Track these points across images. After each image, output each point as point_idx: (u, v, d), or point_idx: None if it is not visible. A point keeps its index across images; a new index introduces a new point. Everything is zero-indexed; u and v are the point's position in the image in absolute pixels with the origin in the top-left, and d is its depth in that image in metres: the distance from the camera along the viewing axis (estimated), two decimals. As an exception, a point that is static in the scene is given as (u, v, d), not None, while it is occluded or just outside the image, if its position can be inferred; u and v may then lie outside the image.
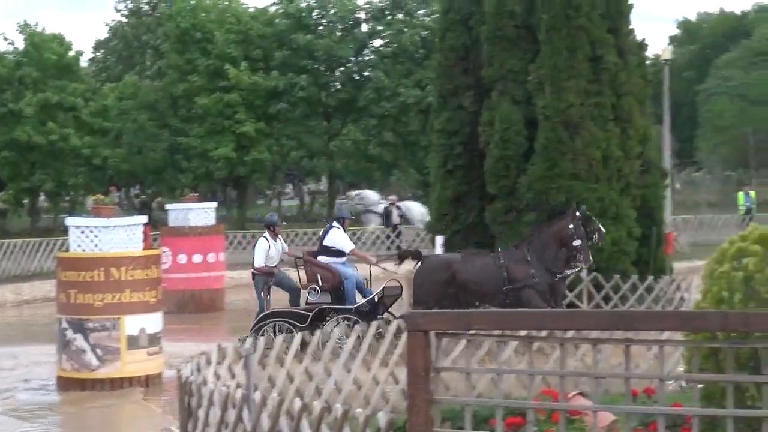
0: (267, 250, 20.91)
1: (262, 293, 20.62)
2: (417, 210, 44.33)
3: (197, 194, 37.11)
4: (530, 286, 18.68)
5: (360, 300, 19.78)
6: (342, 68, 59.91)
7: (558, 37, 21.07)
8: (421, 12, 58.97)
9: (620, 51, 21.76)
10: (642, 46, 23.30)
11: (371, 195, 46.98)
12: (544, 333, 8.24)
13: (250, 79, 55.26)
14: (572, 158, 20.89)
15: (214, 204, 31.39)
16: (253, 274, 20.99)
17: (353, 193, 48.48)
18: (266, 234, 21.17)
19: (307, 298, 19.90)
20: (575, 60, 21.04)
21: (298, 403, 9.53)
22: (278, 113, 56.29)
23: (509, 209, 21.33)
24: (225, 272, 29.83)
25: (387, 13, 59.15)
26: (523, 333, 7.99)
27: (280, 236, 21.54)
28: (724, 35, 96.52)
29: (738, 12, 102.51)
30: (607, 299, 20.97)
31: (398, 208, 43.08)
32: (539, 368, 11.45)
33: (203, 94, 55.30)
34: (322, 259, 20.12)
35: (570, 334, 7.97)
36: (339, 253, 20.14)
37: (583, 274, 20.73)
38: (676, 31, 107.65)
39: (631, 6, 22.47)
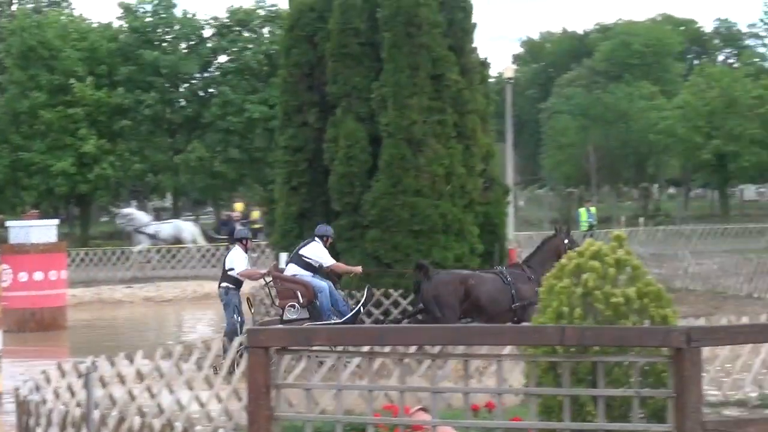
0: (246, 258, 20.08)
1: (235, 312, 19.62)
2: (189, 230, 44.84)
3: (38, 211, 36.40)
4: (535, 303, 17.34)
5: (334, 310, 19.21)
6: (187, 84, 59.53)
7: (400, 55, 21.23)
8: (266, 29, 58.95)
9: (463, 69, 22.01)
10: (485, 64, 23.62)
11: (140, 215, 47.07)
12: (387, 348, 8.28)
13: (95, 95, 54.51)
14: (415, 175, 21.04)
15: (56, 221, 30.90)
16: (227, 288, 19.83)
17: (124, 211, 48.26)
18: (238, 246, 20.20)
19: (284, 315, 19.10)
20: (418, 78, 21.21)
21: (138, 421, 9.42)
22: (122, 130, 55.64)
23: (354, 226, 21.39)
24: (67, 290, 29.36)
25: (232, 29, 58.97)
26: (365, 349, 8.02)
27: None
28: (567, 54, 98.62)
29: (580, 31, 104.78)
30: (450, 315, 21.08)
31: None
32: (382, 384, 11.53)
33: (47, 109, 54.34)
34: (291, 269, 19.45)
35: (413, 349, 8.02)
36: (309, 267, 19.44)
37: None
38: (519, 50, 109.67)
39: (474, 25, 22.76)
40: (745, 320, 17.37)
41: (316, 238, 19.73)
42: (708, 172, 64.40)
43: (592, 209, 45.92)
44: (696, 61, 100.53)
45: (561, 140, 74.72)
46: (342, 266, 19.99)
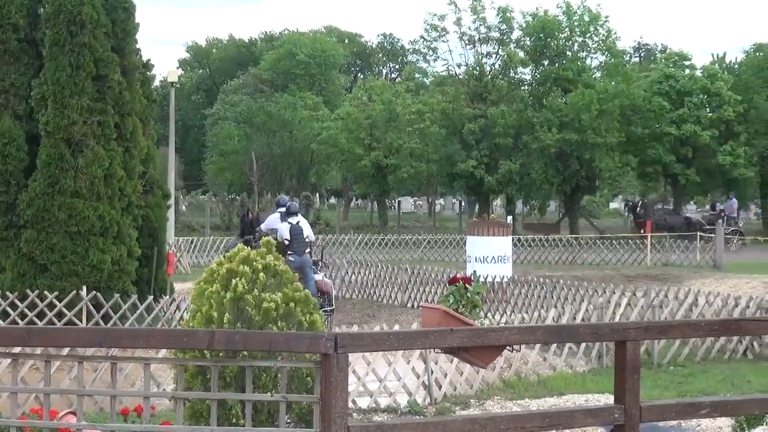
0: None
1: None
2: None
3: None
4: None
5: None
6: None
7: (62, 54, 20.81)
8: None
9: (124, 70, 21.77)
10: (147, 66, 23.45)
11: None
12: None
13: None
14: (74, 176, 20.66)
15: None
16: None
17: None
18: None
19: None
20: (79, 77, 20.83)
21: None
22: None
23: (9, 225, 20.82)
24: None
25: None
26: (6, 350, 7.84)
27: None
28: (232, 61, 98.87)
29: (246, 39, 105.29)
30: (106, 318, 20.82)
31: None
32: (29, 385, 11.28)
33: None
34: None
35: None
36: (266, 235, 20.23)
37: (83, 292, 20.57)
38: (185, 55, 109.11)
39: (137, 26, 22.54)
40: (396, 328, 17.99)
41: (279, 209, 24.62)
42: (368, 183, 65.96)
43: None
44: (360, 74, 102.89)
45: (224, 147, 74.84)
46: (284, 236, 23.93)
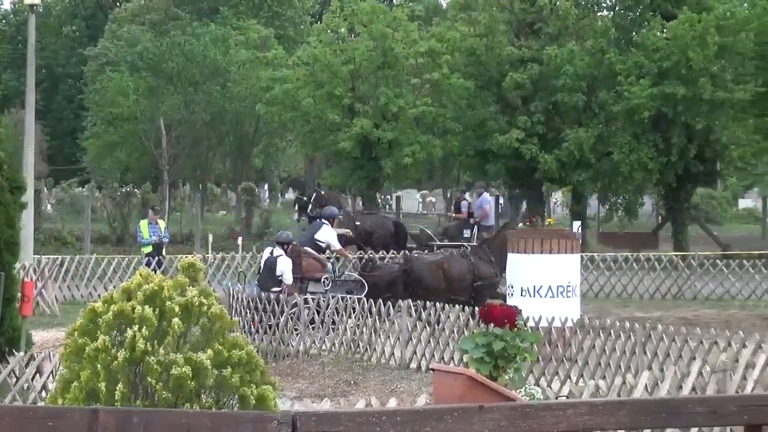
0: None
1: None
2: None
3: None
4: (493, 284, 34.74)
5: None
6: None
7: None
8: None
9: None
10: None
11: None
12: None
13: None
14: None
15: None
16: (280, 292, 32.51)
17: None
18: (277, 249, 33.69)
19: (309, 287, 33.67)
20: None
21: None
22: None
23: None
24: None
25: None
26: None
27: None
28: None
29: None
30: None
31: None
32: None
33: None
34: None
35: None
36: (318, 248, 35.36)
37: None
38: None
39: None
40: (392, 403, 17.94)
41: (325, 221, 36.38)
42: (347, 170, 66.37)
43: (161, 223, 46.27)
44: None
45: (115, 110, 74.93)
46: (344, 251, 38.35)
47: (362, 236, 48.43)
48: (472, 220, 51.90)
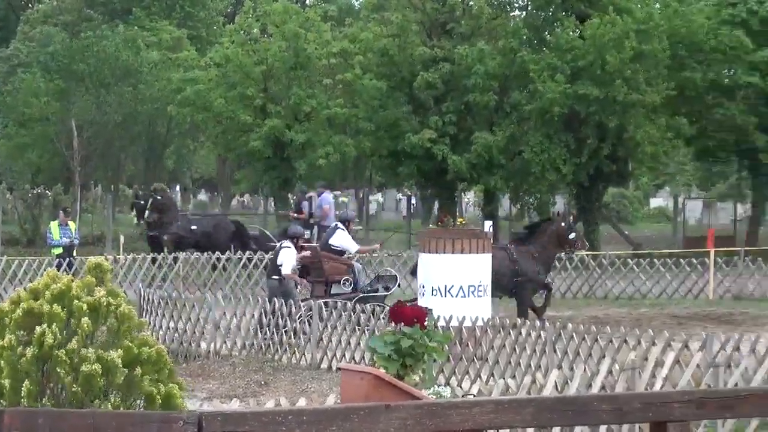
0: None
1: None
2: None
3: None
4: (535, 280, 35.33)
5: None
6: None
7: None
8: None
9: None
10: None
11: None
12: None
13: None
14: None
15: None
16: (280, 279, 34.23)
17: None
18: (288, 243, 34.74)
19: (332, 290, 34.72)
20: None
21: None
22: None
23: None
24: None
25: None
26: None
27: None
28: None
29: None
30: None
31: None
32: None
33: None
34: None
35: None
36: (341, 252, 35.93)
37: None
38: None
39: None
40: (301, 403, 17.93)
41: (340, 224, 37.19)
42: (260, 171, 66.40)
43: (71, 224, 46.19)
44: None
45: (26, 110, 74.65)
46: (363, 248, 40.54)
47: (200, 238, 48.97)
48: (312, 221, 52.92)
